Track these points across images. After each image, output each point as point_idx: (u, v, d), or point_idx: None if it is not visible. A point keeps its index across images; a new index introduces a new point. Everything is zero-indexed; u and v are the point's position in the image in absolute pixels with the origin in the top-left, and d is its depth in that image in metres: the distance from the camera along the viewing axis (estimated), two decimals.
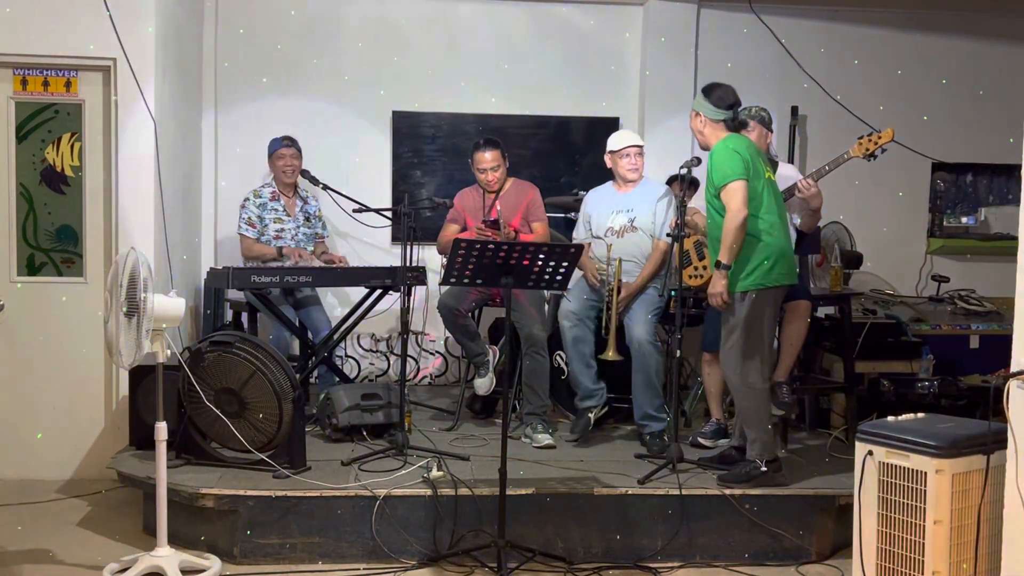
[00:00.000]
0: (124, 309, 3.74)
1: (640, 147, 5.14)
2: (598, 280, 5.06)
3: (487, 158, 5.32)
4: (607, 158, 5.19)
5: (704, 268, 4.85)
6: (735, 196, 4.17)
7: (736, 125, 4.39)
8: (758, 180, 4.26)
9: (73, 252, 5.28)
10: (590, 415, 5.07)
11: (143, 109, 5.16)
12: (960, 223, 7.21)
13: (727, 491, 4.25)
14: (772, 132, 4.99)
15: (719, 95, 4.36)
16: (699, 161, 4.65)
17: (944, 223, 7.17)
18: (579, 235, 5.29)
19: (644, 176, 5.20)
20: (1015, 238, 2.96)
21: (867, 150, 4.67)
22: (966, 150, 7.03)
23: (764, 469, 4.29)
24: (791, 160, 6.62)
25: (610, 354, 4.98)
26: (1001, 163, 6.97)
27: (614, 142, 5.17)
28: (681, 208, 4.58)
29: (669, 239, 4.85)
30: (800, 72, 6.72)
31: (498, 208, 5.32)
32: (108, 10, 5.01)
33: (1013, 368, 2.89)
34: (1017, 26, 6.95)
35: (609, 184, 5.30)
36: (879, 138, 4.64)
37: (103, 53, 5.09)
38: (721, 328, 4.39)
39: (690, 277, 4.89)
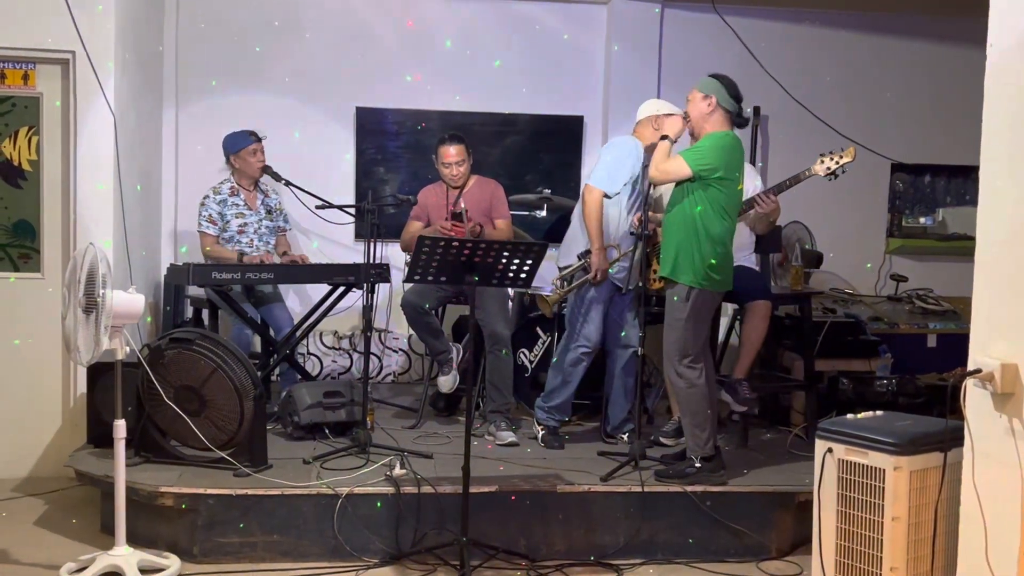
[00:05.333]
0: (82, 305, 3.69)
1: None
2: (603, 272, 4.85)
3: (451, 152, 5.31)
4: (654, 119, 4.86)
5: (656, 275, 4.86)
6: (671, 172, 4.24)
7: (742, 121, 4.37)
8: (734, 184, 4.29)
9: (30, 247, 5.20)
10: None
11: (102, 103, 5.09)
12: (918, 223, 7.31)
13: (688, 488, 4.28)
14: None
15: (732, 85, 4.32)
16: None
17: (903, 223, 7.26)
18: (608, 186, 4.83)
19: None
20: (972, 238, 3.00)
21: (828, 168, 4.72)
22: (925, 151, 7.12)
23: (698, 466, 4.32)
24: (752, 160, 6.67)
25: (547, 308, 4.93)
26: (959, 164, 7.07)
27: (667, 106, 4.93)
28: (644, 206, 4.60)
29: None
30: (762, 73, 6.76)
31: (462, 202, 5.31)
32: (67, 2, 4.94)
33: (970, 367, 2.93)
34: (974, 29, 6.99)
35: (633, 139, 4.98)
36: (840, 157, 4.69)
37: (61, 46, 5.02)
38: (664, 328, 4.41)
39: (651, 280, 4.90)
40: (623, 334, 5.02)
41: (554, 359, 5.09)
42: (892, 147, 7.02)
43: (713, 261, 4.23)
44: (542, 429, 5.02)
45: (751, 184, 5.05)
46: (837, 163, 4.68)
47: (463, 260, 3.88)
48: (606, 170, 4.85)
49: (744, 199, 4.91)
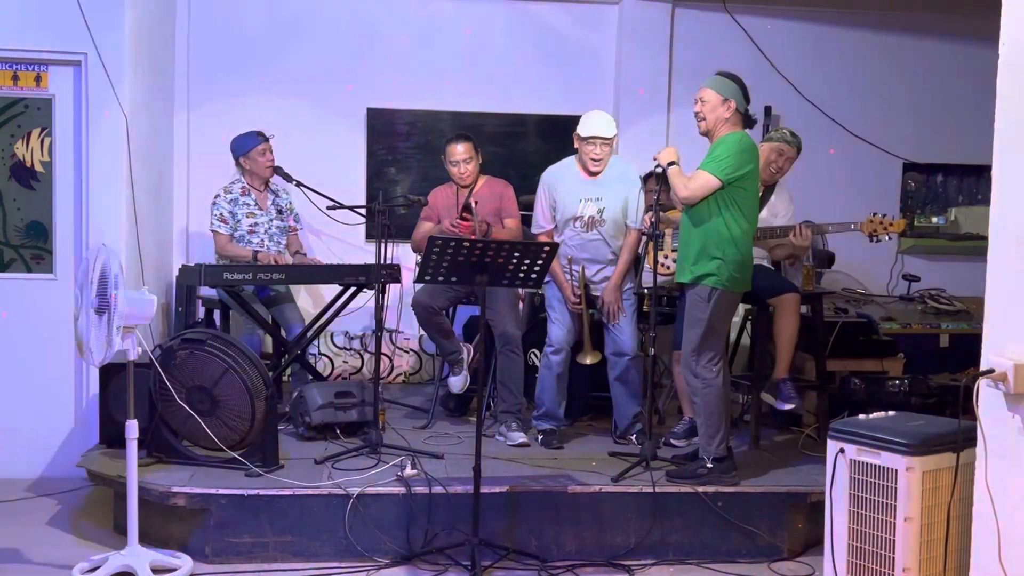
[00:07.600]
0: (95, 306, 3.70)
1: (608, 140, 4.89)
2: (576, 297, 4.91)
3: (459, 150, 5.31)
4: (575, 138, 4.94)
5: (674, 262, 4.84)
6: (703, 187, 4.20)
7: (750, 122, 4.38)
8: (754, 185, 4.29)
9: (43, 248, 5.23)
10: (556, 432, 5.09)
11: (115, 104, 5.11)
12: (931, 223, 7.29)
13: (700, 489, 4.27)
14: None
15: (745, 88, 4.33)
16: None
17: (915, 223, 7.23)
18: (542, 223, 5.06)
19: (612, 158, 5.00)
20: (984, 238, 2.98)
21: (874, 231, 4.73)
22: (937, 150, 7.09)
23: (709, 466, 4.32)
24: None
25: (589, 359, 5.00)
26: (971, 163, 7.04)
27: (583, 126, 4.91)
28: (656, 207, 4.59)
29: (637, 231, 4.88)
30: (773, 72, 6.75)
31: (474, 201, 5.31)
32: (79, 4, 4.96)
33: (982, 367, 2.92)
34: (987, 27, 6.96)
35: (572, 162, 5.04)
36: (890, 225, 4.72)
37: (74, 48, 5.04)
38: (683, 327, 4.40)
39: (660, 264, 4.88)
40: (613, 338, 4.98)
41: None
42: (904, 146, 7.00)
43: (736, 262, 4.24)
44: (540, 434, 5.04)
45: (786, 209, 5.06)
46: (885, 229, 4.71)
47: (473, 260, 3.88)
48: (534, 215, 5.14)
49: (782, 224, 4.93)
